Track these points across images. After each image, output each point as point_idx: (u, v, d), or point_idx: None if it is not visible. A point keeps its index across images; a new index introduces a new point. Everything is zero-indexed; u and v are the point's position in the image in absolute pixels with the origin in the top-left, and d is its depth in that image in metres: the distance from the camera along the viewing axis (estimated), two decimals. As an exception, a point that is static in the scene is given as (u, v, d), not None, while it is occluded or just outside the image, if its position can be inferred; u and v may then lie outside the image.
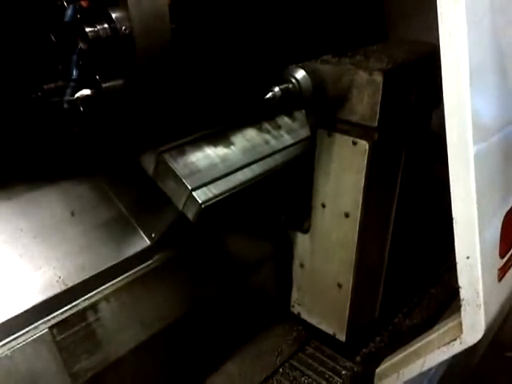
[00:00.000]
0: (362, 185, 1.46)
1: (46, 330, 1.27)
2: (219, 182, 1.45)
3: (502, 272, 1.13)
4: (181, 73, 1.26)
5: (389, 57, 1.45)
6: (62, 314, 1.31)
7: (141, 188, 1.53)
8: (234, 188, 1.46)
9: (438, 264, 2.22)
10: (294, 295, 1.88)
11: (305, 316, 1.88)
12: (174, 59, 1.17)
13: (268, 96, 1.29)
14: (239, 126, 1.61)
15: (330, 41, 1.68)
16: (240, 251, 1.78)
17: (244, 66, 1.48)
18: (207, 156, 1.48)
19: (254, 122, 1.64)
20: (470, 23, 0.92)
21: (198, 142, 1.49)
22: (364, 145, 1.41)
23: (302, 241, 1.74)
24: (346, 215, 1.55)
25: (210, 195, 1.41)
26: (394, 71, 1.37)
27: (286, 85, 1.32)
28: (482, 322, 1.06)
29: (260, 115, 1.64)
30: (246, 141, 1.59)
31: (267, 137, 1.64)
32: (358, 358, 1.89)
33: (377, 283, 1.86)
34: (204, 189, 1.41)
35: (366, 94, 1.35)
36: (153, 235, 1.50)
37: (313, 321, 1.85)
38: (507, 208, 1.13)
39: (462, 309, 1.09)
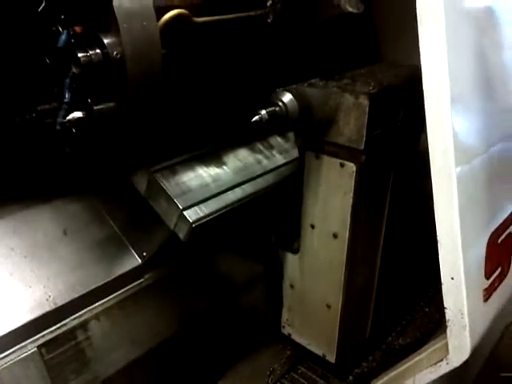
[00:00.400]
0: (350, 206, 1.48)
1: (35, 349, 1.27)
2: (210, 202, 1.46)
3: (488, 293, 1.13)
4: (172, 95, 1.29)
5: (375, 80, 1.48)
6: (51, 333, 1.31)
7: (133, 207, 1.55)
8: (225, 207, 1.48)
9: (431, 282, 2.22)
10: (285, 316, 1.88)
11: (295, 337, 1.88)
12: (165, 83, 1.19)
13: (255, 119, 1.31)
14: (231, 146, 1.63)
15: (323, 64, 1.71)
16: (230, 271, 1.79)
17: (236, 88, 1.51)
18: (199, 176, 1.50)
19: (247, 142, 1.67)
20: (450, 46, 0.94)
21: (190, 162, 1.51)
22: (351, 167, 1.43)
23: (291, 261, 1.75)
24: (335, 236, 1.56)
25: (201, 214, 1.42)
26: (380, 95, 1.39)
27: (273, 108, 1.35)
28: (468, 343, 1.06)
29: (252, 135, 1.66)
30: (237, 160, 1.61)
31: (259, 157, 1.67)
32: (350, 378, 1.88)
33: (367, 304, 1.86)
34: (195, 208, 1.43)
35: (352, 117, 1.37)
36: (144, 254, 1.51)
37: (303, 342, 1.85)
38: (492, 229, 1.14)
39: (448, 330, 1.09)
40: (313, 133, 1.48)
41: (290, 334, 1.89)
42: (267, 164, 1.64)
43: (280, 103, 1.35)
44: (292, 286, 1.79)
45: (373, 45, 2.14)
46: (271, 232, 1.78)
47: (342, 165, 1.45)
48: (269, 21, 1.42)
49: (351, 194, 1.46)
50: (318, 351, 1.80)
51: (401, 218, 1.80)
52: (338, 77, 1.52)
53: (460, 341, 1.07)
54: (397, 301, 2.11)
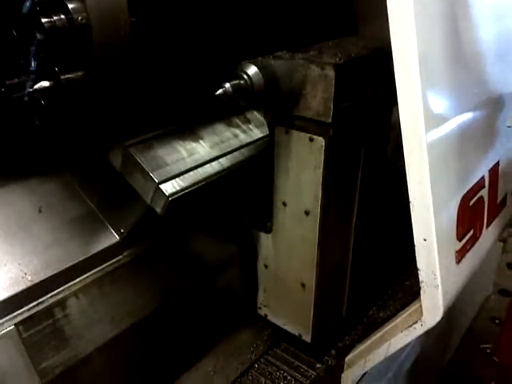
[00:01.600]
0: (321, 182, 1.47)
1: (12, 326, 1.26)
2: (187, 176, 1.45)
3: (460, 254, 1.15)
4: (144, 66, 1.27)
5: (343, 52, 1.46)
6: (28, 310, 1.29)
7: (109, 183, 1.53)
8: (202, 181, 1.47)
9: (412, 256, 2.24)
10: (260, 297, 1.87)
11: (271, 318, 1.87)
12: (136, 52, 1.17)
13: (218, 92, 1.29)
14: (208, 121, 1.62)
15: (298, 39, 1.69)
16: (204, 251, 1.77)
17: (210, 60, 1.49)
18: (175, 150, 1.49)
19: (224, 116, 1.65)
20: (418, 12, 0.94)
21: (166, 137, 1.50)
22: (320, 141, 1.42)
23: (265, 241, 1.74)
24: (307, 213, 1.55)
25: (178, 188, 1.41)
26: (347, 65, 1.38)
27: (238, 81, 1.32)
28: (440, 303, 1.08)
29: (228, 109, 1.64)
30: (214, 135, 1.60)
31: (236, 131, 1.66)
32: (332, 351, 1.90)
33: (342, 281, 1.85)
34: (171, 182, 1.42)
35: (319, 89, 1.36)
36: (122, 230, 1.50)
37: (279, 322, 1.85)
38: (463, 192, 1.16)
39: (421, 291, 1.11)
40: (281, 107, 1.46)
41: (266, 315, 1.88)
42: (244, 138, 1.63)
43: (245, 76, 1.33)
44: (266, 266, 1.79)
45: (351, 23, 2.13)
46: (245, 211, 1.76)
47: (311, 139, 1.44)
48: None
49: (321, 169, 1.45)
50: (294, 331, 1.80)
51: (374, 192, 1.79)
52: (305, 49, 1.50)
53: (433, 301, 1.09)
54: (377, 276, 2.13)
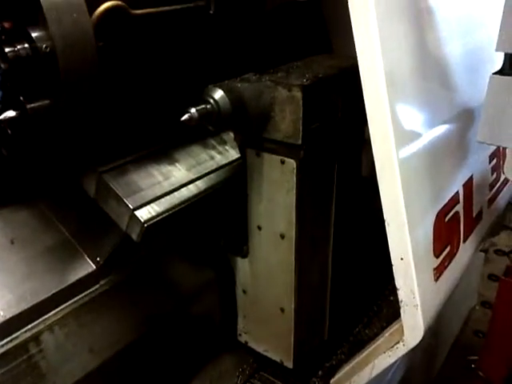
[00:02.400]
0: (294, 204, 1.44)
1: (-15, 364, 1.22)
2: (163, 200, 1.43)
3: (438, 272, 1.15)
4: (114, 90, 1.26)
5: (311, 72, 1.45)
6: (1, 347, 1.25)
7: (84, 211, 1.50)
8: (178, 205, 1.45)
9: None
10: (240, 323, 1.82)
11: (252, 344, 1.82)
12: (104, 76, 1.16)
13: (184, 118, 1.25)
14: (183, 143, 1.60)
15: (271, 56, 1.70)
16: (184, 276, 1.73)
17: (182, 83, 1.49)
18: (150, 174, 1.47)
19: (199, 137, 1.64)
20: (382, 31, 0.95)
21: (140, 161, 1.48)
22: (292, 163, 1.40)
23: (242, 266, 1.70)
24: (282, 236, 1.52)
25: (153, 214, 1.39)
26: (314, 86, 1.37)
27: (204, 105, 1.29)
28: (421, 322, 1.07)
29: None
30: (190, 157, 1.58)
31: (212, 152, 1.64)
32: (320, 372, 1.87)
33: (322, 304, 1.82)
34: (147, 207, 1.39)
35: (287, 111, 1.35)
36: (98, 259, 1.47)
37: (260, 349, 1.79)
38: (438, 208, 1.16)
39: (401, 310, 1.10)
40: (250, 130, 1.44)
41: (246, 342, 1.83)
42: (220, 159, 1.62)
43: (211, 100, 1.30)
44: (244, 292, 1.74)
45: (324, 37, 2.15)
46: (220, 235, 1.72)
47: (282, 161, 1.42)
48: (211, 12, 1.40)
49: (294, 191, 1.42)
50: (276, 357, 1.75)
51: (351, 210, 1.77)
52: (273, 70, 1.49)
53: (413, 320, 1.08)
54: (360, 293, 2.11)
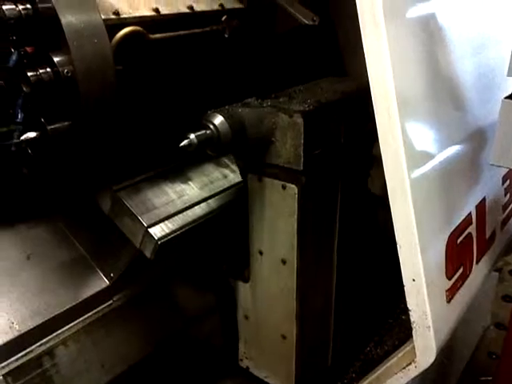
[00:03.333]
0: (296, 230, 1.42)
1: (0, 377, 1.24)
2: (176, 218, 1.46)
3: (451, 293, 1.14)
4: (130, 112, 1.29)
5: (313, 97, 1.43)
6: (16, 360, 1.27)
7: (99, 227, 1.52)
8: (191, 223, 1.47)
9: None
10: (242, 348, 1.78)
11: (253, 370, 1.77)
12: (122, 99, 1.19)
13: (183, 144, 1.24)
14: (197, 161, 1.63)
15: (285, 78, 1.72)
16: (188, 296, 1.72)
17: (196, 104, 1.52)
18: (164, 192, 1.49)
19: (212, 156, 1.66)
20: (393, 51, 0.97)
21: (154, 179, 1.51)
22: (293, 188, 1.38)
23: (243, 290, 1.66)
24: (283, 262, 1.49)
25: (167, 231, 1.41)
26: (316, 112, 1.36)
27: (204, 131, 1.28)
28: (433, 344, 1.06)
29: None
30: (203, 175, 1.61)
31: (225, 171, 1.67)
32: (331, 391, 1.86)
33: (325, 331, 1.76)
34: (160, 225, 1.42)
35: (288, 136, 1.33)
36: (112, 275, 1.49)
37: (261, 375, 1.75)
38: (450, 230, 1.15)
39: (413, 332, 1.10)
40: (251, 155, 1.43)
41: (248, 368, 1.78)
42: (233, 178, 1.64)
43: (211, 126, 1.29)
44: (246, 317, 1.70)
45: (336, 58, 2.18)
46: (222, 259, 1.70)
47: (283, 187, 1.40)
48: (226, 36, 1.43)
49: (295, 217, 1.40)
50: None
51: (357, 231, 1.72)
52: (275, 95, 1.48)
53: (425, 342, 1.08)
54: (371, 312, 2.09)
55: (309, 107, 1.35)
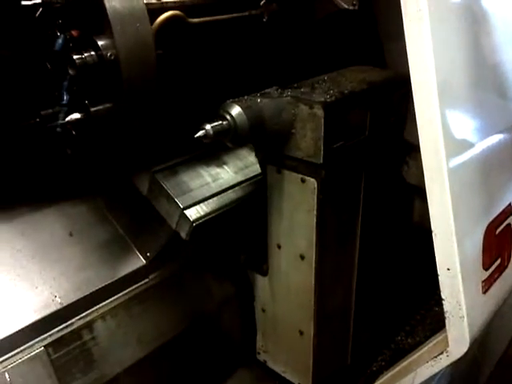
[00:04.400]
0: (315, 225, 1.37)
1: (42, 348, 1.29)
2: (211, 201, 1.48)
3: (487, 284, 1.12)
4: (170, 95, 1.31)
5: (337, 87, 1.37)
6: (57, 332, 1.33)
7: (136, 208, 1.57)
8: (225, 206, 1.49)
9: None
10: (259, 341, 1.75)
11: (270, 364, 1.75)
12: (162, 83, 1.22)
13: (198, 134, 1.19)
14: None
15: (322, 64, 1.70)
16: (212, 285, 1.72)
17: (233, 88, 1.53)
18: (199, 175, 1.52)
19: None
20: (436, 38, 0.95)
21: (191, 162, 1.54)
22: (312, 182, 1.33)
23: (261, 283, 1.63)
24: (302, 257, 1.44)
25: (202, 213, 1.44)
26: (338, 104, 1.29)
27: (220, 122, 1.22)
28: (467, 334, 1.05)
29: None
30: (238, 160, 1.63)
31: (260, 156, 1.68)
32: (362, 378, 1.86)
33: (345, 327, 1.72)
34: (196, 207, 1.45)
35: (308, 128, 1.28)
36: (148, 254, 1.54)
37: (278, 369, 1.73)
38: (489, 220, 1.13)
39: (447, 321, 1.09)
40: (270, 146, 1.38)
41: (265, 361, 1.77)
42: (268, 162, 1.65)
43: (228, 116, 1.23)
44: (264, 310, 1.68)
45: (375, 44, 2.13)
46: (241, 250, 1.67)
47: (302, 180, 1.35)
48: (264, 20, 1.43)
49: (315, 212, 1.35)
50: (294, 379, 1.68)
51: (383, 222, 1.67)
52: (297, 85, 1.42)
53: (459, 332, 1.07)
54: (402, 303, 2.06)
55: (330, 98, 1.29)
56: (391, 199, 1.68)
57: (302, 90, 1.38)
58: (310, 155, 1.31)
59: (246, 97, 1.32)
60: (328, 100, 1.28)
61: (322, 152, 1.28)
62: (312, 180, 1.33)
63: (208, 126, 1.21)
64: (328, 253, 1.46)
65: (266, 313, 1.68)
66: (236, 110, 1.24)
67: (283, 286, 1.57)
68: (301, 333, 1.56)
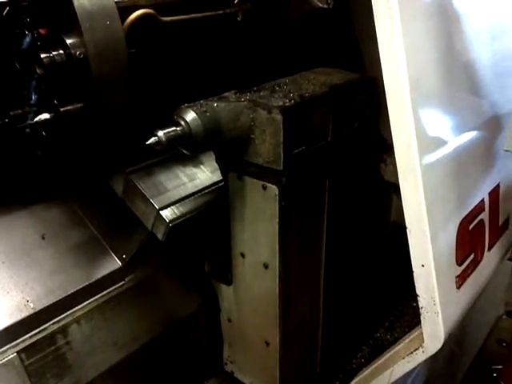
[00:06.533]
0: (277, 233, 1.33)
1: (15, 354, 1.26)
2: (187, 201, 1.47)
3: (461, 279, 1.14)
4: (142, 94, 1.29)
5: (298, 91, 1.33)
6: (30, 338, 1.30)
7: (111, 209, 1.55)
8: (202, 206, 1.48)
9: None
10: (226, 352, 1.70)
11: (238, 375, 1.71)
12: (134, 82, 1.20)
13: (150, 141, 1.13)
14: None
15: (297, 63, 1.70)
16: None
17: (206, 88, 1.52)
18: (175, 175, 1.51)
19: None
20: (407, 37, 0.96)
21: (166, 163, 1.52)
22: (274, 189, 1.28)
23: (226, 293, 1.59)
24: (265, 266, 1.40)
25: (178, 214, 1.43)
26: (298, 108, 1.25)
27: (174, 128, 1.16)
28: (441, 329, 1.06)
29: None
30: (215, 160, 1.61)
31: (237, 156, 1.67)
32: (340, 376, 1.87)
33: (312, 337, 1.68)
34: (172, 208, 1.43)
35: (267, 134, 1.23)
36: (124, 256, 1.51)
37: (246, 380, 1.68)
38: (462, 216, 1.15)
39: (422, 317, 1.10)
40: (230, 152, 1.33)
41: (232, 372, 1.72)
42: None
43: (182, 122, 1.17)
44: (230, 320, 1.63)
45: (351, 44, 2.14)
46: (206, 259, 1.62)
47: (264, 187, 1.30)
48: (238, 19, 1.42)
49: (277, 220, 1.31)
50: None
51: (352, 224, 1.64)
52: (257, 88, 1.38)
53: (434, 328, 1.08)
54: (381, 300, 2.07)
55: (290, 102, 1.25)
56: (365, 199, 1.66)
57: (261, 93, 1.33)
58: (270, 161, 1.27)
59: (201, 101, 1.26)
60: (287, 104, 1.24)
61: (282, 158, 1.24)
62: (273, 187, 1.29)
63: (161, 133, 1.15)
64: (292, 261, 1.42)
65: (232, 323, 1.64)
66: (190, 116, 1.18)
67: (248, 295, 1.53)
68: (267, 344, 1.53)
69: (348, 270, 1.72)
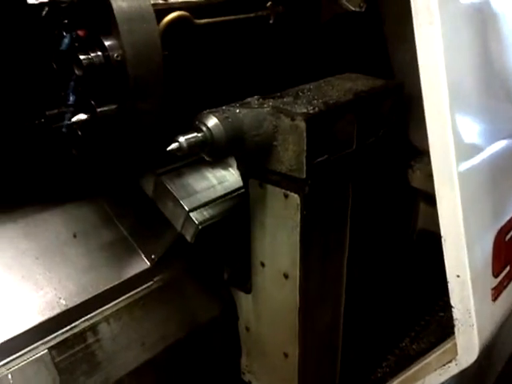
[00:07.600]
0: (298, 243, 1.30)
1: (46, 350, 1.28)
2: (216, 204, 1.47)
3: (497, 292, 1.11)
4: (176, 96, 1.30)
5: (322, 97, 1.30)
6: (61, 334, 1.33)
7: (142, 210, 1.56)
8: (231, 210, 1.48)
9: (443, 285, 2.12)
10: (244, 361, 1.67)
11: None
12: (168, 84, 1.21)
13: (171, 147, 1.11)
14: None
15: (328, 66, 1.69)
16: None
17: (239, 90, 1.52)
18: (205, 178, 1.52)
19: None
20: (447, 43, 0.94)
21: (196, 165, 1.53)
22: (296, 198, 1.25)
23: (245, 302, 1.56)
24: (286, 276, 1.37)
25: (207, 216, 1.43)
26: (322, 115, 1.22)
27: (195, 134, 1.14)
28: (476, 342, 1.03)
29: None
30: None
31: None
32: (365, 384, 1.84)
33: (332, 349, 1.63)
34: (201, 210, 1.44)
35: (290, 141, 1.21)
36: (153, 256, 1.53)
37: None
38: (499, 226, 1.11)
39: (456, 329, 1.07)
40: (252, 159, 1.31)
41: (250, 382, 1.68)
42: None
43: (204, 128, 1.15)
44: (248, 329, 1.60)
45: (381, 48, 2.11)
46: (224, 266, 1.60)
47: (285, 195, 1.28)
48: (270, 22, 1.42)
49: (298, 229, 1.28)
50: None
51: (375, 239, 1.60)
52: (281, 94, 1.35)
53: (468, 341, 1.05)
54: (407, 309, 2.02)
55: (314, 109, 1.22)
56: (391, 206, 1.62)
57: (285, 99, 1.31)
58: (292, 169, 1.24)
59: (223, 107, 1.24)
60: (311, 111, 1.21)
61: (304, 166, 1.21)
62: (295, 196, 1.26)
63: (182, 139, 1.12)
64: (313, 271, 1.39)
65: (250, 332, 1.60)
66: (212, 122, 1.16)
67: (267, 305, 1.50)
68: (285, 355, 1.50)
69: (372, 280, 1.68)
